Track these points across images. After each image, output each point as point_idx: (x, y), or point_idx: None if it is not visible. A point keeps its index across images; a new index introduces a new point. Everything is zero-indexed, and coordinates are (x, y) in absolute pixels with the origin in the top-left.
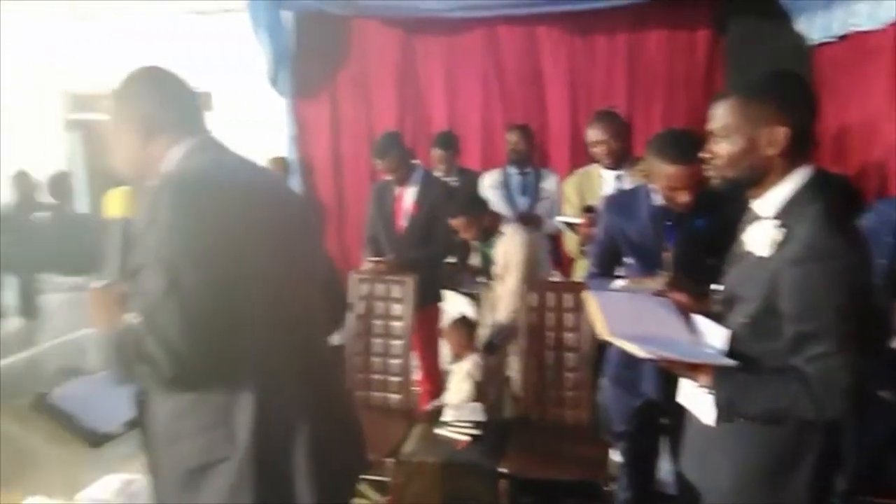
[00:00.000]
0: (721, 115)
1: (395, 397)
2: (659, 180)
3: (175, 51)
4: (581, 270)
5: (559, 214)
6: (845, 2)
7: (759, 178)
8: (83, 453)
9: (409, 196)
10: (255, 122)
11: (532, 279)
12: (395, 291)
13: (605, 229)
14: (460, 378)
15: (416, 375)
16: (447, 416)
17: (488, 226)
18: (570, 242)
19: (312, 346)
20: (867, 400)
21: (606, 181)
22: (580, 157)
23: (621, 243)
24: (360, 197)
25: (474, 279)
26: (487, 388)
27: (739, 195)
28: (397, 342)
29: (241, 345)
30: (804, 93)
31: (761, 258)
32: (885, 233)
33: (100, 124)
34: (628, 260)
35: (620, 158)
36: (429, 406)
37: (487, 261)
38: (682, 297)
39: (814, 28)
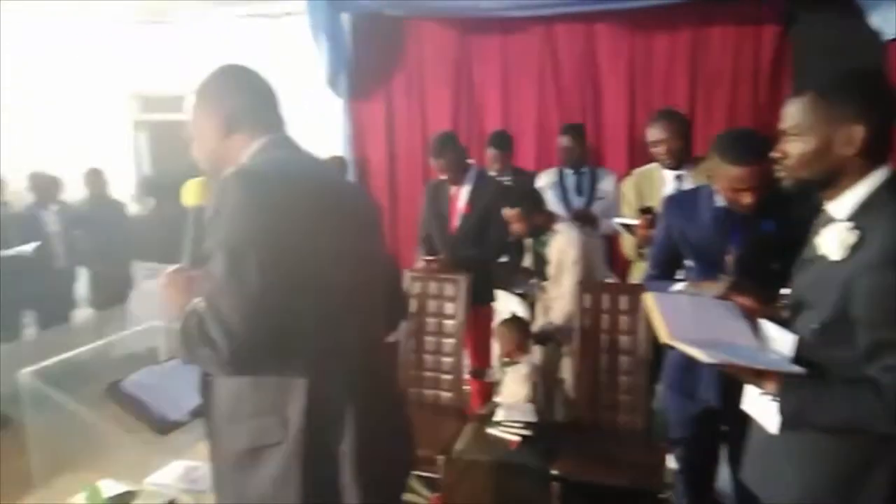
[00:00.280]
0: (795, 113)
1: (446, 395)
2: (721, 181)
3: (239, 53)
4: (638, 273)
5: (616, 215)
6: None
7: (833, 179)
8: (152, 440)
9: (463, 195)
10: (313, 122)
11: (588, 280)
12: (448, 290)
13: (664, 231)
14: (516, 380)
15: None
16: (499, 415)
17: (541, 223)
18: (628, 244)
19: (368, 340)
20: None
21: (666, 182)
22: (637, 156)
23: (681, 245)
24: (414, 196)
25: (528, 280)
26: (538, 388)
27: (809, 197)
28: (449, 340)
29: (298, 334)
30: (884, 91)
31: (834, 262)
32: None
33: (166, 125)
34: (688, 263)
35: (681, 158)
36: (484, 409)
37: (541, 261)
38: (747, 300)
39: (890, 23)
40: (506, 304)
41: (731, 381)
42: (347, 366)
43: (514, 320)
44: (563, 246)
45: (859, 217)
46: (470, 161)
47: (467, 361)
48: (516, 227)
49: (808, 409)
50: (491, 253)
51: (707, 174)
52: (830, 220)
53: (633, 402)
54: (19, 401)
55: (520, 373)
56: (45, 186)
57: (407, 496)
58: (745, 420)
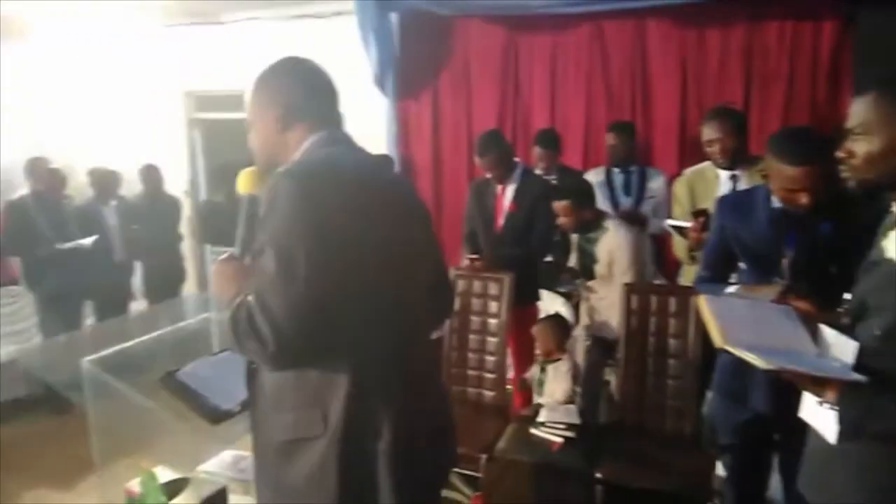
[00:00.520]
0: (861, 111)
1: (489, 394)
2: (777, 181)
3: (288, 53)
4: (689, 277)
5: (666, 215)
6: None
7: None
8: (205, 428)
9: (508, 194)
10: (359, 122)
11: (641, 280)
12: (492, 289)
13: (717, 232)
14: (556, 378)
15: (511, 373)
16: (542, 416)
17: (590, 218)
18: (679, 247)
19: (413, 337)
20: None
21: (721, 182)
22: (688, 155)
23: (735, 247)
24: (459, 194)
25: (573, 280)
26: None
27: (873, 198)
28: (493, 339)
29: (343, 332)
30: None
31: None
32: None
33: (219, 123)
34: (742, 265)
35: (736, 158)
36: (527, 409)
37: (587, 258)
38: (805, 305)
39: None
40: (550, 304)
41: (783, 387)
42: (391, 363)
43: (554, 318)
44: (613, 245)
45: None
46: (515, 159)
47: (510, 361)
48: (564, 221)
49: (868, 419)
50: (535, 252)
51: (762, 174)
52: None
53: (680, 406)
54: (81, 388)
55: (560, 370)
56: (105, 181)
57: (448, 494)
58: (798, 428)
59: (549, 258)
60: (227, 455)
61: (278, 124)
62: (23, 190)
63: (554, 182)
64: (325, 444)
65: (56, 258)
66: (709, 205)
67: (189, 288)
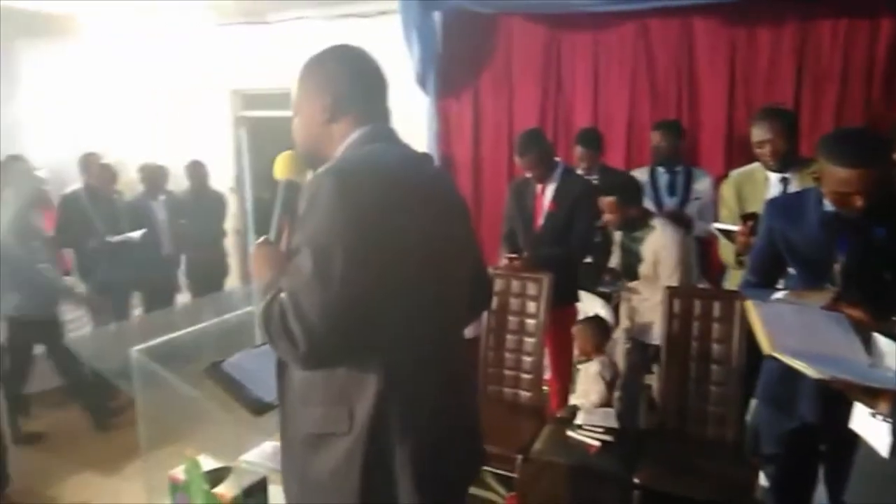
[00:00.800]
0: None
1: (525, 394)
2: (829, 184)
3: None
4: (734, 282)
5: (712, 217)
6: None
7: None
8: (248, 419)
9: (548, 193)
10: (401, 120)
11: (686, 282)
12: (531, 289)
13: (766, 235)
14: (586, 378)
15: (547, 374)
16: (579, 419)
17: (635, 216)
18: (726, 251)
19: (451, 337)
20: None
21: (771, 184)
22: (736, 156)
23: (785, 251)
24: (498, 193)
25: (614, 281)
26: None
27: None
28: (530, 339)
29: (381, 330)
30: None
31: None
32: None
33: (264, 121)
34: (791, 270)
35: (787, 159)
36: (564, 411)
37: (631, 257)
38: (858, 312)
39: None
40: (589, 305)
41: (832, 396)
42: (428, 361)
43: (595, 320)
44: (659, 244)
45: None
46: (556, 158)
47: (547, 362)
48: (609, 218)
49: None
50: (575, 252)
51: (815, 176)
52: None
53: (723, 413)
54: (129, 376)
55: (589, 371)
56: (154, 177)
57: (483, 493)
58: (847, 439)
59: (588, 259)
60: (268, 446)
61: (325, 114)
62: (76, 185)
63: (595, 182)
64: (351, 441)
65: (107, 250)
66: (757, 208)
67: (231, 282)
